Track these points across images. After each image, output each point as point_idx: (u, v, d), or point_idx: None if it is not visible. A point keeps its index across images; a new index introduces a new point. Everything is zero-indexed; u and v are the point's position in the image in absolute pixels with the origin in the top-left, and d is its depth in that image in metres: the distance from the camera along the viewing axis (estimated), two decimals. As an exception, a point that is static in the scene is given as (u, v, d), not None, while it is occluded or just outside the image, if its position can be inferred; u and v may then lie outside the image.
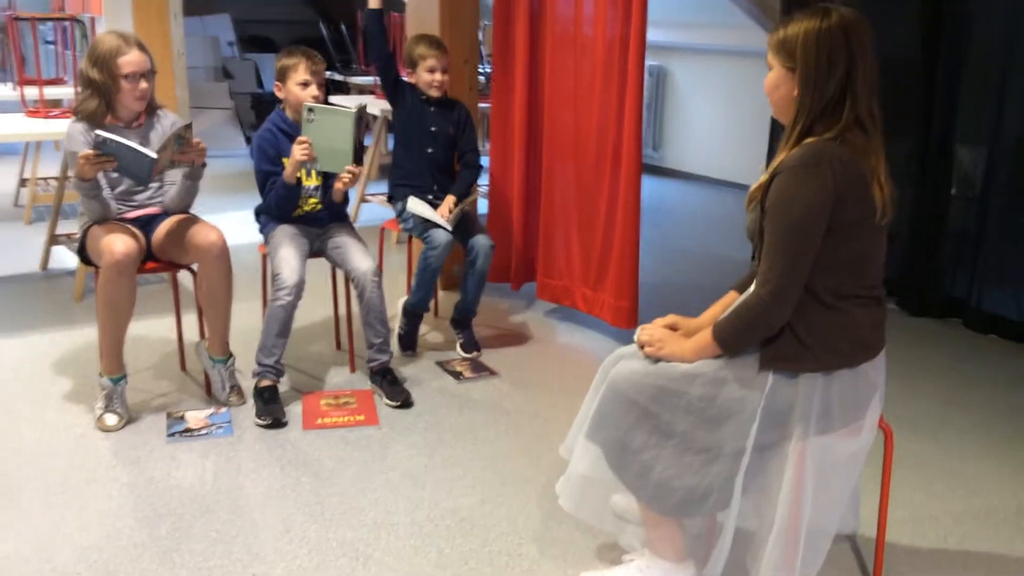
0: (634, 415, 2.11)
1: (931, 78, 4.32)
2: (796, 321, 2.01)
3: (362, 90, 7.22)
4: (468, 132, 3.86)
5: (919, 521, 2.66)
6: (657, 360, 2.13)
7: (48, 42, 7.51)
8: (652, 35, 7.32)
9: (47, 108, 4.54)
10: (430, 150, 3.78)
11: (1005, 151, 4.09)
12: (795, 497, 2.00)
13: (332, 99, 6.32)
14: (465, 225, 3.70)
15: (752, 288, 2.06)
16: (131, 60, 3.05)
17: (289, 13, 10.54)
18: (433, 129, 3.77)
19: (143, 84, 3.09)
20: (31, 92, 4.75)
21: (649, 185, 7.41)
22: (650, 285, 4.60)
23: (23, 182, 5.88)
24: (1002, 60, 4.04)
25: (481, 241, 3.65)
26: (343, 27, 7.75)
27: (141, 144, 3.12)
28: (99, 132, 2.91)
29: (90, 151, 2.89)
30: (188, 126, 3.03)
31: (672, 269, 5.19)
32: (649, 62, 7.64)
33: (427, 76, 3.71)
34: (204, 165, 3.19)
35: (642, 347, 2.16)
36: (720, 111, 7.36)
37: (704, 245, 5.75)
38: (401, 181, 3.82)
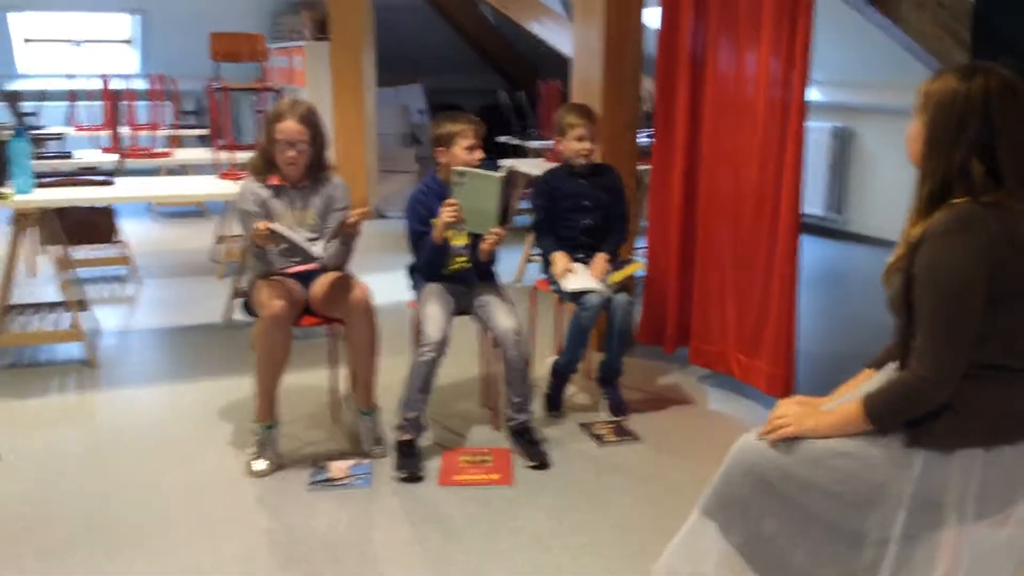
0: (762, 496, 1.97)
1: None
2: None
3: (539, 154, 7.37)
4: (619, 198, 3.87)
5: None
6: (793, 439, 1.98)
7: (259, 111, 8.16)
8: (838, 96, 7.19)
9: (237, 171, 4.89)
10: (587, 221, 3.81)
11: None
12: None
13: (503, 161, 6.50)
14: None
15: (909, 364, 1.88)
16: (283, 128, 3.25)
17: (475, 82, 10.96)
18: (586, 203, 3.80)
19: (290, 152, 3.27)
20: (228, 156, 5.14)
21: (829, 250, 7.11)
22: (814, 354, 4.38)
23: (220, 239, 6.35)
24: None
25: (619, 298, 3.61)
26: (522, 94, 7.96)
27: (304, 207, 3.34)
28: (272, 226, 3.14)
29: (264, 226, 3.12)
30: (345, 219, 3.26)
31: (841, 337, 4.92)
32: (833, 123, 7.40)
33: (576, 144, 3.75)
34: (358, 232, 3.35)
35: (774, 431, 1.99)
36: (907, 173, 6.96)
37: (878, 313, 5.39)
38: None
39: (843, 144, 7.50)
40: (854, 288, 6.13)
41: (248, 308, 3.41)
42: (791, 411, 2.00)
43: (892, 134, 7.14)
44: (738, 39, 3.79)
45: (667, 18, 4.09)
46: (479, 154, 3.44)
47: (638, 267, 3.76)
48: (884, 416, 1.87)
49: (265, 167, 3.35)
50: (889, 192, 7.21)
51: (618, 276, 3.66)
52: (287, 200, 3.37)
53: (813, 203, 7.53)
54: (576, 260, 3.74)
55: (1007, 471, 1.83)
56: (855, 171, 7.51)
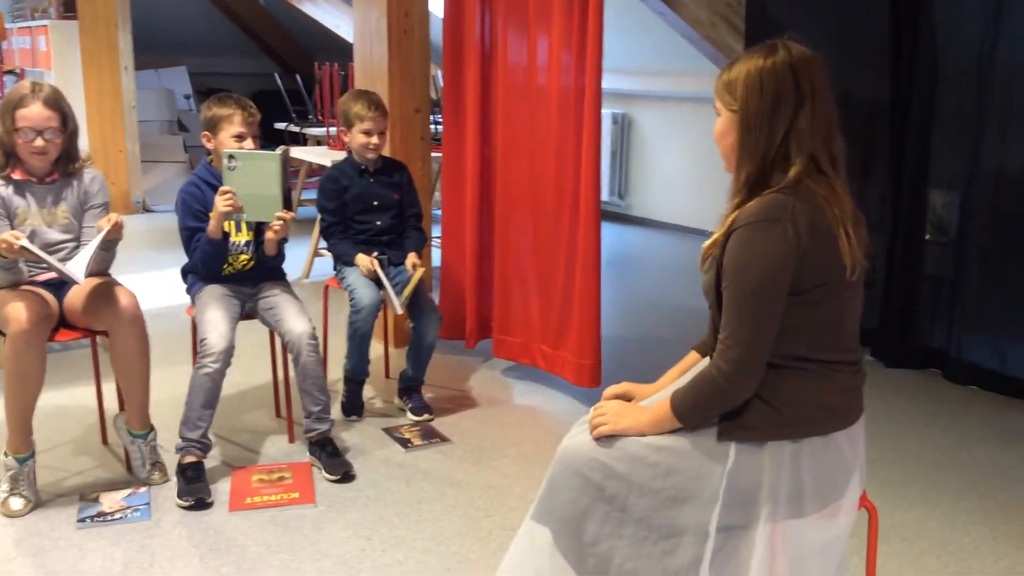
0: (588, 497, 1.87)
1: (902, 121, 4.17)
2: (759, 386, 1.77)
3: (319, 141, 7.02)
4: (411, 194, 3.63)
5: (908, 601, 2.41)
6: (612, 436, 1.88)
7: None
8: (616, 83, 7.28)
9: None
10: (379, 222, 3.55)
11: (980, 195, 3.91)
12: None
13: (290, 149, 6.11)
14: (412, 293, 3.44)
15: (712, 356, 1.83)
16: (27, 114, 2.80)
17: (247, 65, 10.39)
18: (376, 203, 3.54)
19: (39, 142, 2.83)
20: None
21: (615, 234, 7.23)
22: (615, 339, 4.36)
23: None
24: (975, 103, 3.87)
25: (429, 316, 3.42)
26: (299, 78, 7.57)
27: (54, 204, 2.94)
28: (26, 245, 2.69)
29: (11, 238, 2.67)
30: (110, 229, 2.82)
31: (639, 322, 4.96)
32: (613, 110, 7.52)
33: (362, 138, 3.45)
34: (121, 237, 2.93)
35: (594, 429, 1.90)
36: (686, 158, 7.21)
37: (672, 296, 5.53)
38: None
39: (623, 130, 7.65)
40: (645, 271, 6.24)
41: (-12, 324, 2.93)
42: (610, 409, 1.91)
43: (668, 120, 7.36)
44: (528, 27, 3.68)
45: (451, 4, 3.92)
46: (249, 144, 3.10)
47: (420, 273, 3.50)
48: (689, 413, 1.81)
49: (5, 161, 2.88)
50: (667, 177, 7.42)
51: (407, 292, 3.40)
52: (33, 197, 2.92)
53: (597, 188, 7.65)
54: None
55: (820, 466, 1.79)
56: (635, 156, 7.68)
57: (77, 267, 2.76)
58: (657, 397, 1.99)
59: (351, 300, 3.33)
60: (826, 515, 1.81)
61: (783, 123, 1.75)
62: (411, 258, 3.48)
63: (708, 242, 1.87)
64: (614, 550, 1.86)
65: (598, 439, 1.88)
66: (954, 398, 3.85)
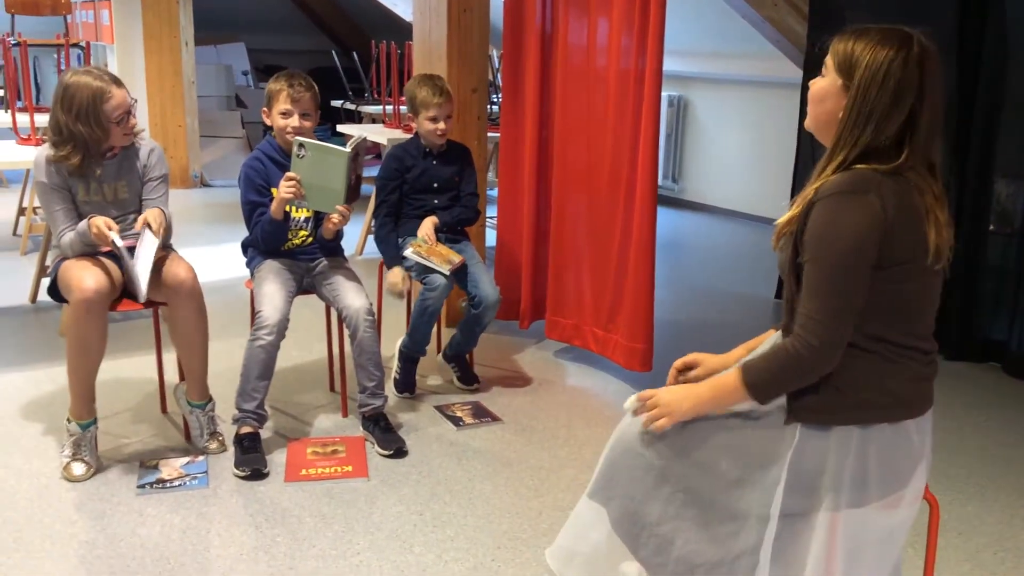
0: (651, 480, 1.86)
1: (968, 109, 4.07)
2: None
3: (374, 119, 7.06)
4: (470, 176, 3.64)
5: (964, 597, 2.38)
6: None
7: (63, 71, 7.44)
8: (672, 65, 7.17)
9: (39, 136, 4.37)
10: (436, 201, 3.57)
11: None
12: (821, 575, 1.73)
13: (341, 127, 6.16)
14: (473, 269, 3.47)
15: (792, 330, 1.78)
16: (118, 102, 2.86)
17: (305, 43, 10.46)
18: (436, 185, 3.56)
19: (132, 120, 2.92)
20: (25, 119, 4.58)
21: (668, 218, 7.17)
22: (668, 323, 4.34)
23: (22, 211, 5.72)
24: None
25: (490, 294, 3.41)
26: (355, 55, 7.60)
27: (115, 180, 2.99)
28: (117, 243, 2.76)
29: (105, 230, 2.76)
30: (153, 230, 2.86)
31: (691, 307, 4.93)
32: (669, 92, 7.44)
33: (429, 125, 3.46)
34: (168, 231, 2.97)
35: (651, 422, 1.85)
36: (743, 142, 7.12)
37: (726, 281, 5.48)
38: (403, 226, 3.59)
39: (678, 113, 7.57)
40: (699, 256, 6.19)
41: (54, 292, 3.00)
42: (663, 399, 1.85)
43: (725, 103, 7.26)
44: (589, 8, 3.65)
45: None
46: (295, 121, 3.09)
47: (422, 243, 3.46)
48: (764, 386, 1.76)
49: (87, 158, 2.89)
50: (722, 161, 7.33)
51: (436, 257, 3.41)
52: (94, 174, 2.95)
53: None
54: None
55: (886, 453, 1.75)
56: (690, 140, 7.60)
57: (141, 284, 2.77)
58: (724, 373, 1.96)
59: (425, 280, 3.35)
60: (888, 503, 1.78)
61: (896, 121, 1.69)
62: (428, 223, 3.46)
63: (783, 219, 1.81)
64: (677, 531, 1.85)
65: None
66: (1014, 393, 3.78)
